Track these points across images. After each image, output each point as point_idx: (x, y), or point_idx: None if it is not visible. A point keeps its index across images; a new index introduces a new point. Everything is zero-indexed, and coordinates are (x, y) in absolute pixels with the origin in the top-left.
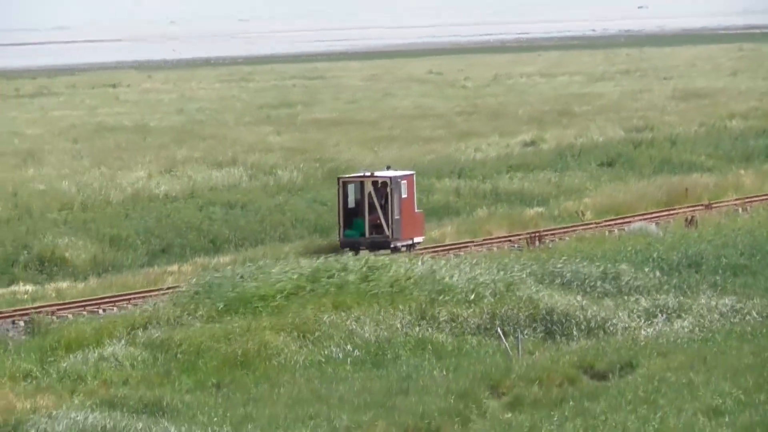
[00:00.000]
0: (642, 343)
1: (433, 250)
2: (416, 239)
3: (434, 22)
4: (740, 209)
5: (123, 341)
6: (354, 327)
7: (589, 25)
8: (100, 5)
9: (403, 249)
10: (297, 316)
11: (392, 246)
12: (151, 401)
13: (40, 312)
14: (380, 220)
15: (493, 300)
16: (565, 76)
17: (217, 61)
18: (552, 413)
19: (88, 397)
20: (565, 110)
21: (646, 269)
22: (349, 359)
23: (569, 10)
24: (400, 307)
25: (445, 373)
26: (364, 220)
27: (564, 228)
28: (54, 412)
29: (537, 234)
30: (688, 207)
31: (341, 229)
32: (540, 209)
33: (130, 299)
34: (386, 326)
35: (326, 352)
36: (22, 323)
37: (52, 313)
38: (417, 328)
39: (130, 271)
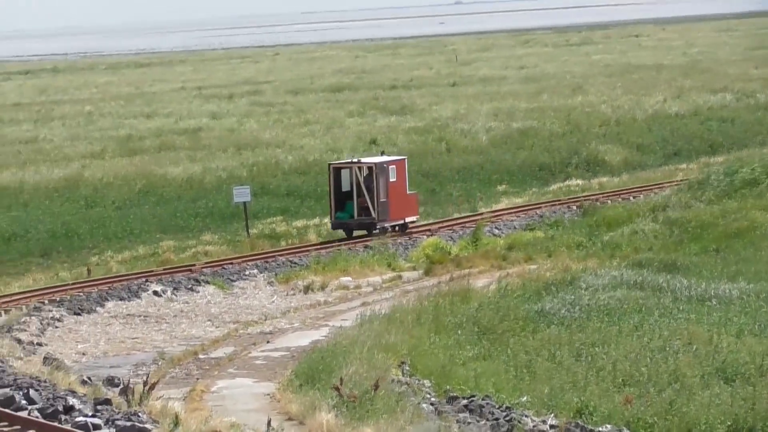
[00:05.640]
0: None
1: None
2: (408, 219)
3: None
4: None
5: (648, 219)
6: None
7: None
8: None
9: (396, 229)
10: None
11: (378, 227)
12: (668, 262)
13: (587, 199)
14: (367, 203)
15: None
16: None
17: (713, 17)
18: None
19: (622, 260)
20: None
21: None
22: None
23: None
24: None
25: None
26: (353, 203)
27: None
28: (598, 271)
29: None
30: None
31: (333, 212)
32: None
33: (652, 189)
34: None
35: None
36: (574, 207)
37: (596, 200)
38: None
39: (651, 168)
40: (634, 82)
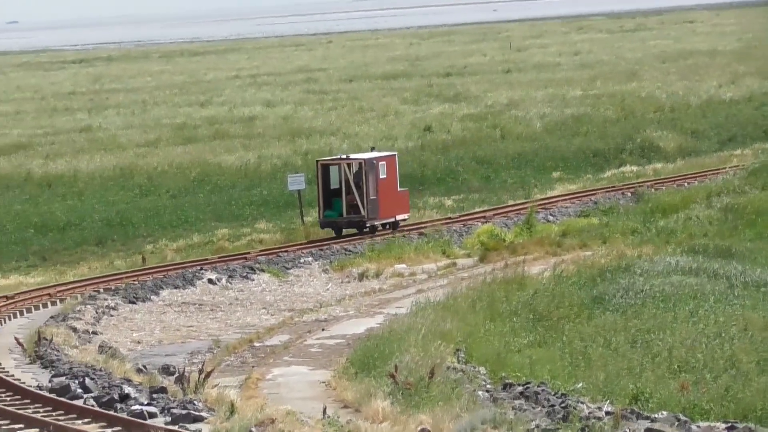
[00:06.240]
0: None
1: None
2: (399, 217)
3: None
4: None
5: (702, 205)
6: None
7: None
8: None
9: (386, 227)
10: None
11: (368, 225)
12: (723, 248)
13: (642, 185)
14: (356, 200)
15: None
16: None
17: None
18: None
19: (677, 246)
20: None
21: None
22: None
23: None
24: None
25: None
26: (341, 200)
27: None
28: (653, 257)
29: None
30: None
31: (321, 210)
32: None
33: (706, 175)
34: None
35: None
36: (629, 194)
37: (652, 185)
38: None
39: (705, 154)
40: (689, 68)
